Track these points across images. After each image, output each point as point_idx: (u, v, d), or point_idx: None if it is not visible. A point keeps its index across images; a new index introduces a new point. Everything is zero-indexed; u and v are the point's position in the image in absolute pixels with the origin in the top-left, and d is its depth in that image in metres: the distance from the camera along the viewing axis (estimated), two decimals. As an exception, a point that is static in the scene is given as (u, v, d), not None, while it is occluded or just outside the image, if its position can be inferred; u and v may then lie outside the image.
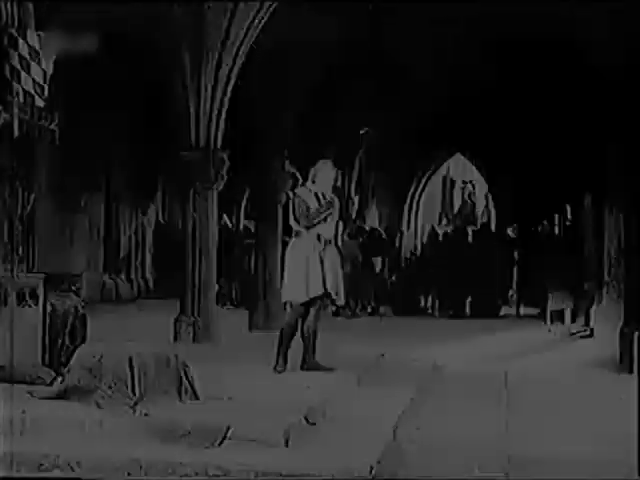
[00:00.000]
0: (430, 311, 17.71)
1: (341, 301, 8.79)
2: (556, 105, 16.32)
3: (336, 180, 8.76)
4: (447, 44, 15.94)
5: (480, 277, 17.10)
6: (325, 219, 8.48)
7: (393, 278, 18.05)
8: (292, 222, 8.60)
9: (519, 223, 19.28)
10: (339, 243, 8.95)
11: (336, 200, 8.69)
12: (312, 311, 8.56)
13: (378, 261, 17.82)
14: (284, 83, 13.19)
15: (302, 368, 8.54)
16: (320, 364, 8.55)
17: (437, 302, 17.81)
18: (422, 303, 17.97)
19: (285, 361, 8.53)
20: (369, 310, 17.44)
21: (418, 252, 19.94)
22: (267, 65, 12.60)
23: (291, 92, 13.41)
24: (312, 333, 8.57)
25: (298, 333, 8.61)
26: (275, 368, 8.48)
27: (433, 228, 20.52)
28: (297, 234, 8.56)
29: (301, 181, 9.05)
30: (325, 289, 8.44)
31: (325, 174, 8.63)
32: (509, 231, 19.59)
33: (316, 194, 8.54)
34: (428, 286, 17.84)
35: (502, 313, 17.42)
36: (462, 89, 18.04)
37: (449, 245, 18.42)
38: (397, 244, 18.82)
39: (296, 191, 8.82)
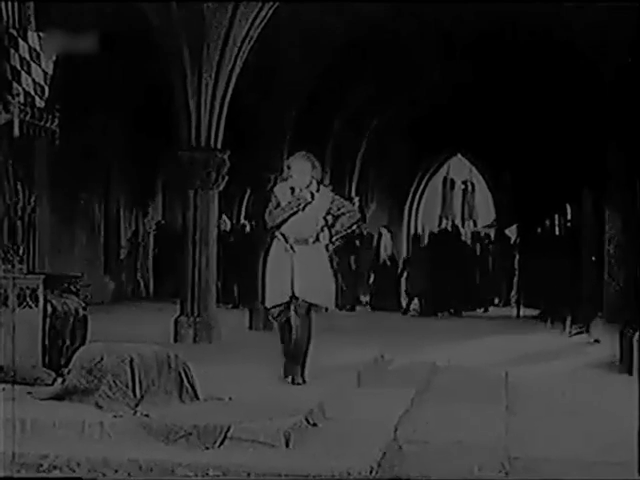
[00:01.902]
0: (403, 310, 17.59)
1: (330, 306, 7.91)
2: (556, 106, 16.34)
3: (312, 172, 7.75)
4: (448, 44, 15.96)
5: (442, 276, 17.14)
6: (290, 217, 7.69)
7: (372, 277, 18.17)
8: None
9: (519, 224, 19.29)
10: (326, 243, 7.84)
11: (319, 193, 7.78)
12: (296, 318, 7.77)
13: (352, 259, 17.89)
14: (284, 83, 13.19)
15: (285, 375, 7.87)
16: (295, 377, 7.78)
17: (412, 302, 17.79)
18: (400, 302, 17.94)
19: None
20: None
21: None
22: (267, 65, 12.61)
23: (291, 92, 13.41)
24: (295, 341, 7.78)
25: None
26: (285, 375, 7.86)
27: (385, 225, 20.32)
28: (274, 235, 7.82)
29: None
30: (293, 293, 7.67)
31: (298, 167, 7.78)
32: (508, 232, 19.59)
33: (292, 189, 7.79)
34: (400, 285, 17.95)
35: (503, 314, 17.41)
36: (462, 90, 18.05)
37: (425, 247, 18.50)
38: (375, 243, 18.73)
39: (274, 188, 8.05)
